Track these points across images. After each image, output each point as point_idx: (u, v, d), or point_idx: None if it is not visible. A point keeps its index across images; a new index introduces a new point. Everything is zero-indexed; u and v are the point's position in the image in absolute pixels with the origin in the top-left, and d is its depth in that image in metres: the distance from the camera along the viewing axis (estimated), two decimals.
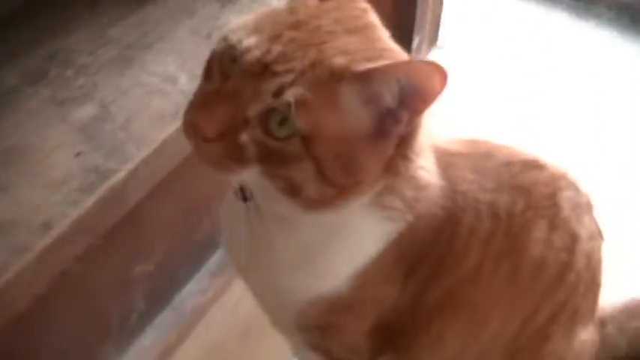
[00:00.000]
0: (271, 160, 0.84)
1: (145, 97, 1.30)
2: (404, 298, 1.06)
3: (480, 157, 1.09)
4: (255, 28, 0.85)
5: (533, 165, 1.10)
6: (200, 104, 0.86)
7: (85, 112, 1.27)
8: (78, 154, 1.21)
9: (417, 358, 1.14)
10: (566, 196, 1.10)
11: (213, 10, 1.48)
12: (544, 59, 2.37)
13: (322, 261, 1.02)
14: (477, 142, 1.12)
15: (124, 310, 1.45)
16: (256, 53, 0.82)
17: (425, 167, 1.02)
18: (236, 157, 0.85)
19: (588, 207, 1.15)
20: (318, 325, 1.09)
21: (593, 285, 1.18)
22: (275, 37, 0.83)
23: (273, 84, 0.81)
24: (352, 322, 1.09)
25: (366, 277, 1.02)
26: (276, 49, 0.82)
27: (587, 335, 1.22)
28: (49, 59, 1.35)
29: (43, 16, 1.43)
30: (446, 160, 1.05)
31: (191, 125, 0.85)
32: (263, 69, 0.82)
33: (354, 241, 1.00)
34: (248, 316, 1.66)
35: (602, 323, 1.33)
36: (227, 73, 0.85)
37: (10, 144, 1.21)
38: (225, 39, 0.88)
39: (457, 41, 2.46)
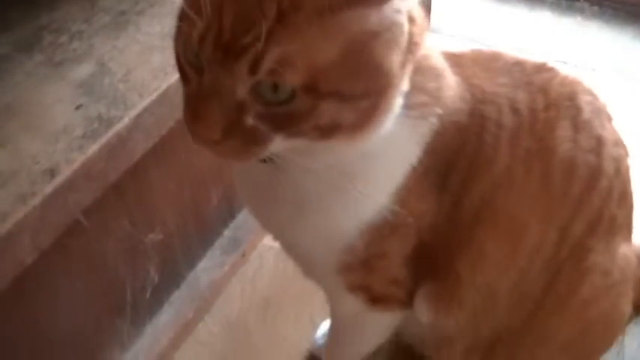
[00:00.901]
0: (290, 122, 0.78)
1: (144, 54, 1.28)
2: (441, 214, 1.00)
3: (487, 59, 1.05)
4: (197, 11, 0.75)
5: (545, 67, 1.06)
6: (191, 114, 0.79)
7: (83, 70, 1.24)
8: (79, 107, 1.17)
9: (458, 283, 1.07)
10: (585, 99, 1.06)
11: None
12: (540, 51, 2.36)
13: (367, 183, 0.94)
14: (480, 50, 1.09)
15: (138, 283, 1.38)
16: (210, 39, 0.75)
17: (435, 55, 0.98)
18: (253, 141, 0.79)
19: (607, 114, 1.11)
20: (364, 259, 1.02)
21: (626, 195, 1.12)
22: (219, 11, 0.74)
23: (244, 62, 0.74)
24: (396, 245, 1.03)
25: (408, 191, 0.96)
26: (227, 22, 0.74)
27: (629, 250, 1.16)
28: (42, 29, 1.32)
29: None
30: (453, 60, 1.01)
31: (195, 137, 0.80)
32: (227, 51, 0.74)
33: (396, 152, 0.95)
34: (267, 288, 1.62)
35: None
36: (199, 68, 0.78)
37: (7, 101, 1.17)
38: (177, 36, 0.83)
39: (450, 27, 2.48)
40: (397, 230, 1.00)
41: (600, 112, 1.08)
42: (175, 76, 1.16)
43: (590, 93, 1.08)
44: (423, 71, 0.94)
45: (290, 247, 1.13)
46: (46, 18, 1.35)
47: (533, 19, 2.59)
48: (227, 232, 1.66)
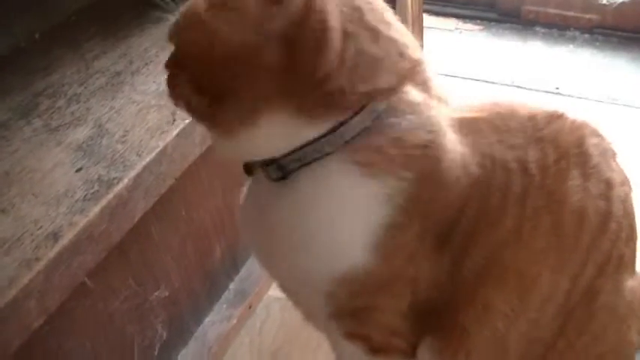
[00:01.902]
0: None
1: (141, 113, 1.30)
2: (440, 273, 1.01)
3: (503, 117, 1.05)
4: None
5: (556, 116, 1.06)
6: None
7: (81, 133, 1.25)
8: (79, 170, 1.19)
9: (464, 336, 1.06)
10: (592, 142, 1.06)
11: None
12: (528, 87, 2.38)
13: (333, 233, 0.96)
14: (497, 104, 1.08)
15: (146, 341, 1.38)
16: None
17: (415, 123, 0.97)
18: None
19: (612, 152, 1.11)
20: (352, 310, 1.04)
21: (632, 231, 1.13)
22: None
23: None
24: (386, 301, 1.03)
25: (387, 249, 0.97)
26: None
27: (635, 283, 1.16)
28: (39, 94, 1.34)
29: (28, 60, 1.43)
30: (467, 127, 1.01)
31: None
32: None
33: (356, 208, 0.95)
34: (274, 339, 1.61)
35: None
36: None
37: (7, 168, 1.18)
38: None
39: (442, 68, 2.49)
40: (387, 287, 1.01)
41: (606, 152, 1.09)
42: (173, 134, 1.18)
43: (596, 134, 1.09)
44: (378, 129, 0.95)
45: (283, 288, 1.15)
46: (42, 83, 1.37)
47: (526, 50, 2.61)
48: (232, 285, 1.66)
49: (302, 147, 0.94)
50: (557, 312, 1.07)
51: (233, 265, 1.65)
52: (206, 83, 0.92)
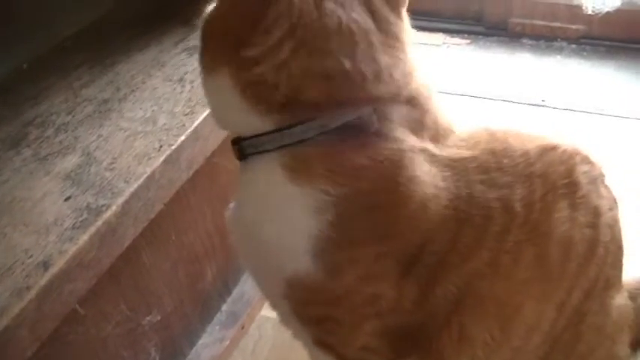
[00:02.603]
0: None
1: (128, 140, 1.31)
2: (407, 299, 1.01)
3: (496, 155, 1.04)
4: None
5: (548, 148, 1.07)
6: None
7: (69, 162, 1.27)
8: (68, 198, 1.20)
9: None
10: (581, 171, 1.08)
11: (183, 58, 1.51)
12: (514, 100, 2.39)
13: (275, 228, 1.00)
14: (493, 136, 1.07)
15: None
16: None
17: (363, 146, 0.98)
18: None
19: (602, 177, 1.13)
20: (314, 318, 1.06)
21: (619, 252, 1.15)
22: None
23: None
24: (346, 316, 1.04)
25: (330, 263, 0.98)
26: None
27: (623, 299, 1.19)
28: (28, 124, 1.36)
29: (17, 90, 1.45)
30: (452, 164, 1.01)
31: None
32: None
33: (288, 211, 0.98)
34: (267, 359, 1.62)
35: (632, 298, 1.28)
36: None
37: None
38: None
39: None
40: (342, 302, 1.02)
41: (596, 180, 1.10)
42: (159, 160, 1.20)
43: (587, 161, 1.10)
44: (322, 145, 0.97)
45: (257, 285, 1.17)
46: (31, 113, 1.39)
47: (514, 63, 2.62)
48: (225, 307, 1.68)
49: (257, 136, 0.98)
50: (543, 340, 1.08)
51: (225, 287, 1.67)
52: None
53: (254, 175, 1.02)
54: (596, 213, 1.07)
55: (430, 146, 1.00)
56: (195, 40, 1.55)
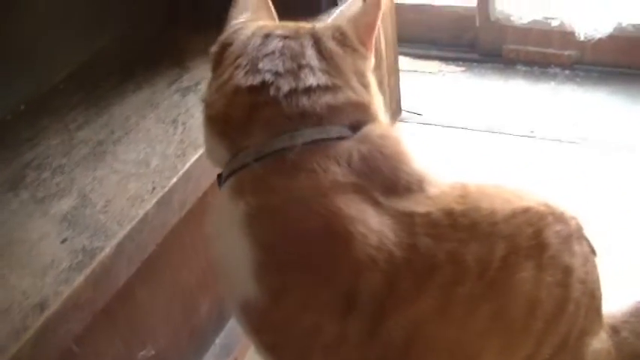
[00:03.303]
0: None
1: (121, 182, 1.36)
2: (352, 335, 1.01)
3: (452, 215, 1.04)
4: None
5: (519, 211, 1.08)
6: None
7: (66, 204, 1.32)
8: (64, 241, 1.24)
9: None
10: (552, 231, 1.09)
11: (176, 100, 1.55)
12: (503, 132, 2.43)
13: (224, 250, 1.08)
14: (465, 196, 1.07)
15: None
16: None
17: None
18: None
19: (578, 232, 1.15)
20: (266, 345, 1.09)
21: (593, 302, 1.17)
22: None
23: None
24: (294, 347, 1.06)
25: (271, 287, 1.02)
26: None
27: (599, 343, 1.21)
28: (25, 166, 1.40)
29: (15, 131, 1.50)
30: (406, 220, 1.02)
31: None
32: None
33: (231, 233, 1.04)
34: None
35: (615, 330, 1.31)
36: None
37: None
38: None
39: (419, 114, 2.55)
40: (285, 329, 1.04)
41: (570, 237, 1.12)
42: (152, 202, 1.24)
43: (561, 220, 1.11)
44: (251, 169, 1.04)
45: None
46: (29, 155, 1.43)
47: (507, 90, 2.66)
48: (219, 340, 1.71)
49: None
50: None
51: (219, 320, 1.70)
52: None
53: (217, 200, 1.10)
54: (566, 272, 1.09)
55: (375, 192, 1.02)
56: (188, 80, 1.60)
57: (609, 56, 2.64)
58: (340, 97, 1.05)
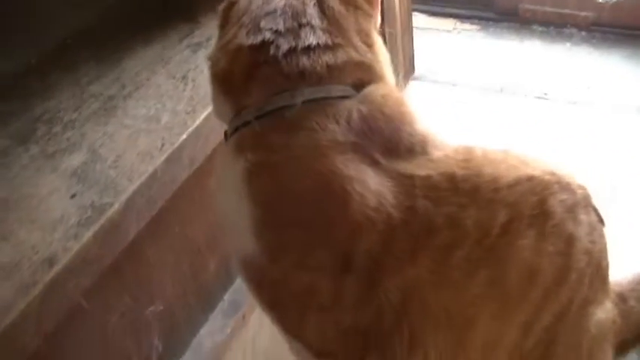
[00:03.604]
0: None
1: (132, 138, 1.35)
2: (348, 295, 1.02)
3: (453, 179, 1.04)
4: None
5: (523, 179, 1.08)
6: None
7: (76, 159, 1.31)
8: (73, 196, 1.24)
9: None
10: (557, 200, 1.09)
11: (186, 55, 1.55)
12: (517, 93, 2.41)
13: (226, 202, 1.12)
14: (469, 160, 1.07)
15: (143, 354, 1.44)
16: None
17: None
18: None
19: (585, 201, 1.14)
20: (266, 300, 1.10)
21: (599, 271, 1.17)
22: None
23: None
24: (291, 304, 1.07)
25: (269, 244, 1.03)
26: None
27: (603, 313, 1.20)
28: (36, 120, 1.40)
29: (26, 85, 1.49)
30: (406, 182, 1.02)
31: None
32: None
33: (231, 181, 1.07)
34: (267, 349, 1.69)
35: (623, 299, 1.31)
36: None
37: (6, 195, 1.24)
38: None
39: (434, 73, 2.53)
40: (283, 286, 1.06)
41: (575, 206, 1.11)
42: (162, 159, 1.24)
43: (567, 189, 1.11)
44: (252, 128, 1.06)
45: None
46: (39, 109, 1.43)
47: (522, 50, 2.64)
48: (227, 297, 1.71)
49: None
50: (509, 357, 1.10)
51: (227, 277, 1.70)
52: None
53: (221, 156, 1.13)
54: (569, 241, 1.08)
55: (375, 153, 1.02)
56: (199, 36, 1.59)
57: (627, 19, 2.62)
58: (341, 56, 1.06)
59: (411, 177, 1.01)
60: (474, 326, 1.06)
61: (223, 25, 1.12)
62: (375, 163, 1.01)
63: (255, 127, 1.04)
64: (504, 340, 1.09)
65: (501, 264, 1.04)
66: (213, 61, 1.11)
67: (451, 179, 1.03)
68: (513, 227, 1.04)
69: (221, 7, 1.14)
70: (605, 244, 1.18)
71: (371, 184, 0.99)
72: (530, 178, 1.07)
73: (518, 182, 1.06)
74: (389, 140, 1.03)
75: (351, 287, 1.01)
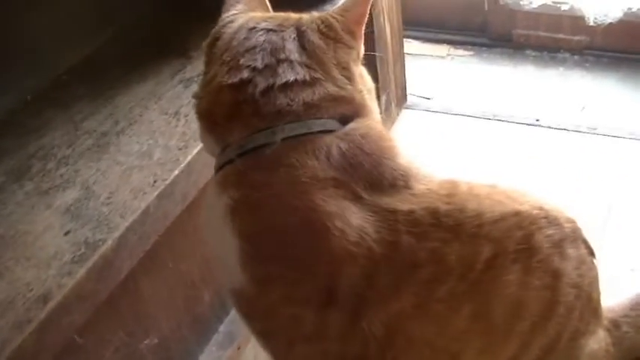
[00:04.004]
0: None
1: (124, 174, 1.37)
2: (332, 327, 1.03)
3: (436, 214, 1.04)
4: None
5: (509, 214, 1.08)
6: None
7: (69, 196, 1.33)
8: (67, 233, 1.26)
9: None
10: (544, 235, 1.09)
11: (179, 91, 1.57)
12: (509, 120, 2.42)
13: (213, 239, 1.13)
14: (454, 192, 1.08)
15: None
16: None
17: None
18: None
19: (574, 234, 1.15)
20: (257, 331, 1.11)
21: (590, 303, 1.18)
22: None
23: None
24: (280, 334, 1.09)
25: (255, 276, 1.04)
26: None
27: (596, 343, 1.21)
28: (31, 157, 1.42)
29: (21, 122, 1.52)
30: (388, 217, 1.03)
31: None
32: None
33: (217, 219, 1.07)
34: None
35: (616, 325, 1.33)
36: None
37: (1, 232, 1.27)
38: None
39: (427, 101, 2.55)
40: (269, 317, 1.07)
41: (563, 241, 1.12)
42: (154, 195, 1.26)
43: (554, 224, 1.11)
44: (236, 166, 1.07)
45: None
46: (34, 145, 1.45)
47: (516, 76, 2.65)
48: (222, 328, 1.72)
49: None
50: None
51: (222, 308, 1.71)
52: None
53: (208, 192, 1.14)
54: (555, 275, 1.09)
55: (357, 188, 1.03)
56: (190, 71, 1.61)
57: (619, 42, 2.63)
58: (319, 92, 1.06)
59: (393, 212, 1.02)
60: (460, 359, 1.07)
61: (207, 62, 1.13)
62: (357, 198, 1.02)
63: (238, 164, 1.05)
64: None
65: (486, 298, 1.05)
66: (198, 100, 1.13)
67: (434, 214, 1.03)
68: (498, 262, 1.04)
69: (205, 42, 1.15)
70: (595, 276, 1.19)
71: (352, 219, 1.00)
72: (517, 213, 1.08)
73: (503, 218, 1.06)
74: (370, 175, 1.04)
75: (336, 320, 1.02)
